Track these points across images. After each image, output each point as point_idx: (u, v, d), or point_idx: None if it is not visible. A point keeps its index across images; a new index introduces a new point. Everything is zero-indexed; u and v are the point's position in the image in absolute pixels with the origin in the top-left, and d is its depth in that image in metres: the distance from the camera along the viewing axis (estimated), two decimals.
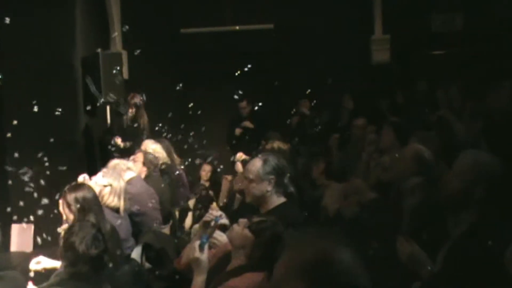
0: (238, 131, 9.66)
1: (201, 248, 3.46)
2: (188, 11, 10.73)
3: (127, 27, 9.49)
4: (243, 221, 3.56)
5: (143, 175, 6.63)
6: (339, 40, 10.25)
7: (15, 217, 7.97)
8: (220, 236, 3.87)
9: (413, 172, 4.35)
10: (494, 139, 4.91)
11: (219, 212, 4.09)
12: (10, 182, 7.84)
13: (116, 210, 5.22)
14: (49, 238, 5.75)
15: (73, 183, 4.88)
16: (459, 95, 6.87)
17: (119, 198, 5.22)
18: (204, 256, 3.46)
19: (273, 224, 3.49)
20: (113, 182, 5.24)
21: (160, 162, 7.11)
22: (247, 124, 9.71)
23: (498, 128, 5.15)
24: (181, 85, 8.59)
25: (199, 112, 8.36)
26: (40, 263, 4.64)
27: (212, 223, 3.91)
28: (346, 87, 9.91)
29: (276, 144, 6.62)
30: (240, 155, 7.41)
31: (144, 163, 6.74)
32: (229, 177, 8.21)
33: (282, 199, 4.35)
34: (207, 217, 4.05)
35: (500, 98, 5.35)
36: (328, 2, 10.36)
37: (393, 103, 9.29)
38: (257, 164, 4.33)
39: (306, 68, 10.19)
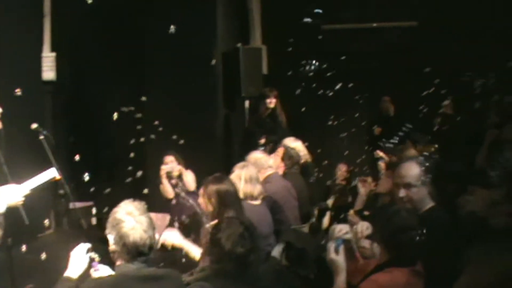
0: (378, 130, 9.35)
1: (336, 250, 3.54)
2: (330, 7, 10.52)
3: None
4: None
5: (280, 171, 6.55)
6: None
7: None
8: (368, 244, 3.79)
9: None
10: None
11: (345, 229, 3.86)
12: (149, 174, 8.00)
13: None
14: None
15: (216, 175, 4.80)
16: None
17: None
18: (339, 257, 3.52)
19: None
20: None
21: (302, 160, 6.97)
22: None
23: None
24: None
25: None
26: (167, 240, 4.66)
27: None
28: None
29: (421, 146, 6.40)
30: (378, 153, 7.16)
31: (283, 159, 6.64)
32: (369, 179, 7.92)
33: (432, 203, 4.23)
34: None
35: None
36: None
37: None
38: (415, 168, 4.22)
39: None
